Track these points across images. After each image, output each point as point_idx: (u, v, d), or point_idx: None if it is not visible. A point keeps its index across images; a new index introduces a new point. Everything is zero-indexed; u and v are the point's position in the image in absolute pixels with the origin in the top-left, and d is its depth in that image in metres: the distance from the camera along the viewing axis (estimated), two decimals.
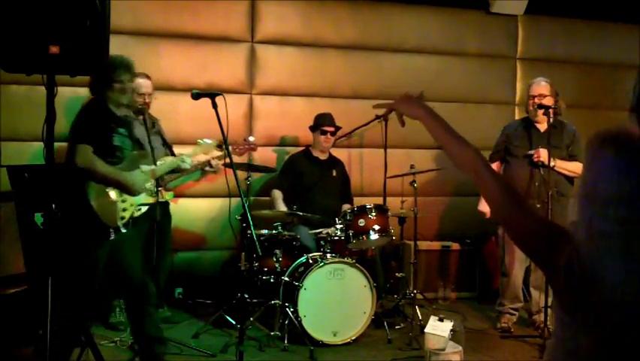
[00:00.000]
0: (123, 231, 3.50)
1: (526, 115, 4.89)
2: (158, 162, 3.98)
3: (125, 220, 3.51)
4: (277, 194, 5.24)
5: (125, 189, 3.50)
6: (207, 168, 4.77)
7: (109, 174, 3.40)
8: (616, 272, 1.18)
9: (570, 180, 4.70)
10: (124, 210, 3.50)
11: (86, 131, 3.35)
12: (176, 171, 4.44)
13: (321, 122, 5.30)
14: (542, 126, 4.70)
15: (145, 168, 3.74)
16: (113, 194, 3.44)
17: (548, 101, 4.64)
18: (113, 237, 3.44)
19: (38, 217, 3.46)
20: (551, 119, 4.57)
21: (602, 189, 1.20)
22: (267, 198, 5.45)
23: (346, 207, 5.33)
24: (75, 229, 3.35)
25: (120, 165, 3.49)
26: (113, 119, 3.50)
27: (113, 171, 3.43)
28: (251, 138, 4.88)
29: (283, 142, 5.76)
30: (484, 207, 5.03)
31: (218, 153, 4.58)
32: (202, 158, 4.59)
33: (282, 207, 5.07)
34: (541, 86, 4.71)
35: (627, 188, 1.17)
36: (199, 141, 4.33)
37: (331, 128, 5.29)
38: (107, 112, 3.48)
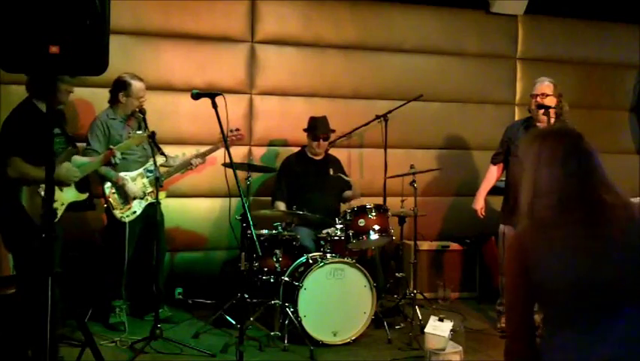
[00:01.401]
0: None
1: (529, 115, 4.88)
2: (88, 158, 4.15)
3: (56, 219, 3.57)
4: (281, 206, 5.16)
5: (59, 184, 3.66)
6: (188, 167, 4.85)
7: (40, 177, 3.49)
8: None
9: None
10: (55, 209, 3.57)
11: (19, 144, 3.38)
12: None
13: (313, 128, 5.25)
14: (543, 126, 4.69)
15: (78, 160, 3.91)
16: (43, 194, 3.49)
17: (550, 101, 4.62)
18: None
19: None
20: (552, 120, 4.56)
21: None
22: (267, 198, 5.45)
23: (347, 193, 5.35)
24: (10, 230, 3.39)
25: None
26: (44, 121, 3.50)
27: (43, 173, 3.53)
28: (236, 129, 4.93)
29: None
30: (477, 204, 5.04)
31: (204, 151, 4.81)
32: (188, 151, 4.83)
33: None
34: (544, 86, 4.69)
35: None
36: (131, 133, 4.43)
37: (323, 135, 5.24)
38: (38, 115, 3.47)
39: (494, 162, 5.02)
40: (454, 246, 5.94)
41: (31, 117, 3.46)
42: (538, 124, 4.73)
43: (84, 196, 4.06)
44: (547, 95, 4.64)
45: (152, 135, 4.23)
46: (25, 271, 3.41)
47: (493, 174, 5.05)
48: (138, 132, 4.34)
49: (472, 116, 6.25)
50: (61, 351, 3.68)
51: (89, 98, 5.05)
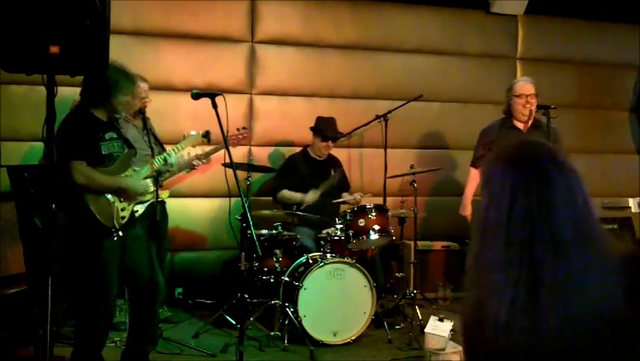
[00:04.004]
0: (126, 230, 3.52)
1: (504, 116, 4.80)
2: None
3: (125, 220, 3.52)
4: (286, 192, 5.19)
5: (127, 195, 3.53)
6: (191, 168, 4.76)
7: (109, 185, 3.43)
8: None
9: None
10: (122, 209, 3.52)
11: (75, 147, 3.34)
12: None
13: (324, 130, 5.24)
14: (524, 126, 4.66)
15: (137, 167, 3.78)
16: (109, 196, 3.45)
17: (533, 100, 4.62)
18: (118, 236, 3.45)
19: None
20: (551, 120, 4.54)
21: None
22: (268, 198, 5.45)
23: (344, 195, 5.37)
24: (78, 232, 3.37)
25: (112, 168, 3.50)
26: (98, 126, 3.47)
27: (113, 181, 3.46)
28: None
29: (279, 144, 5.75)
30: (466, 210, 4.98)
31: (208, 151, 4.63)
32: (193, 151, 4.60)
33: (299, 195, 5.07)
34: (531, 86, 4.66)
35: None
36: (185, 134, 4.28)
37: (333, 137, 5.26)
38: (92, 120, 3.44)
39: (476, 165, 4.92)
40: (454, 246, 5.94)
41: (90, 124, 3.44)
42: (517, 124, 4.66)
43: (151, 196, 4.01)
44: (535, 96, 4.61)
45: (206, 134, 4.22)
46: (90, 275, 3.40)
47: (476, 178, 4.97)
48: (192, 133, 4.27)
49: (472, 116, 6.23)
50: (61, 351, 3.68)
51: None
